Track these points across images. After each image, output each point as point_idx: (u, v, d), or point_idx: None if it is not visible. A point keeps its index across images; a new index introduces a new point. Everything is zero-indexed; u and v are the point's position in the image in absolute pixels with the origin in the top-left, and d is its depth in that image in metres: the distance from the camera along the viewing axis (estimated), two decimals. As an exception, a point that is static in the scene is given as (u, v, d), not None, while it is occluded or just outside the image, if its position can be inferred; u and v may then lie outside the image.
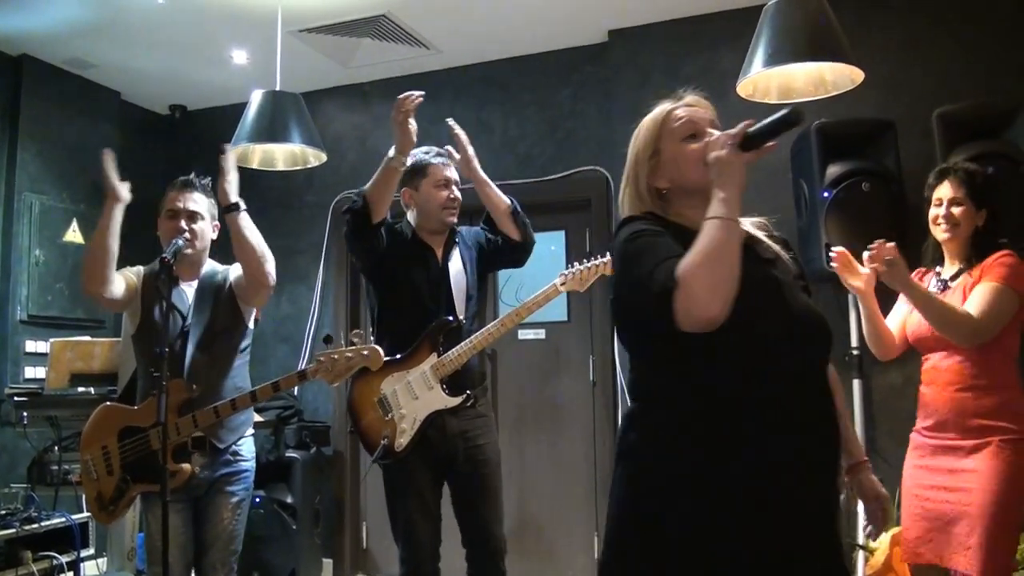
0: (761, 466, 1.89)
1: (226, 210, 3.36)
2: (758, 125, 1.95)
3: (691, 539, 1.91)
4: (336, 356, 3.29)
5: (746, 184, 1.96)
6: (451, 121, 3.70)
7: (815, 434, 1.98)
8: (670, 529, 1.93)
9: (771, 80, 3.67)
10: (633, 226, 2.09)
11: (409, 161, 3.67)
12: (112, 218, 3.38)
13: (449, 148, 3.76)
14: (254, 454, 3.59)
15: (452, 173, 3.75)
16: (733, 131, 1.98)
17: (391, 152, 3.49)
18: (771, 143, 1.96)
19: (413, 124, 3.47)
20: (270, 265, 3.40)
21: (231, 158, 3.44)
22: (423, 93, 3.46)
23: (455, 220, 3.76)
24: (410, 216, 3.80)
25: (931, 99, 4.50)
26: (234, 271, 3.54)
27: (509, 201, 3.76)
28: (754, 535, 1.88)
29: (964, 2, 4.85)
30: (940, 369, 3.31)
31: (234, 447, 3.47)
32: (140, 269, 3.57)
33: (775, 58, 3.47)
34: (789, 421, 1.92)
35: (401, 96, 3.42)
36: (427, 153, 3.76)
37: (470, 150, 3.71)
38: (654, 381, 2.09)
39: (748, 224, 2.17)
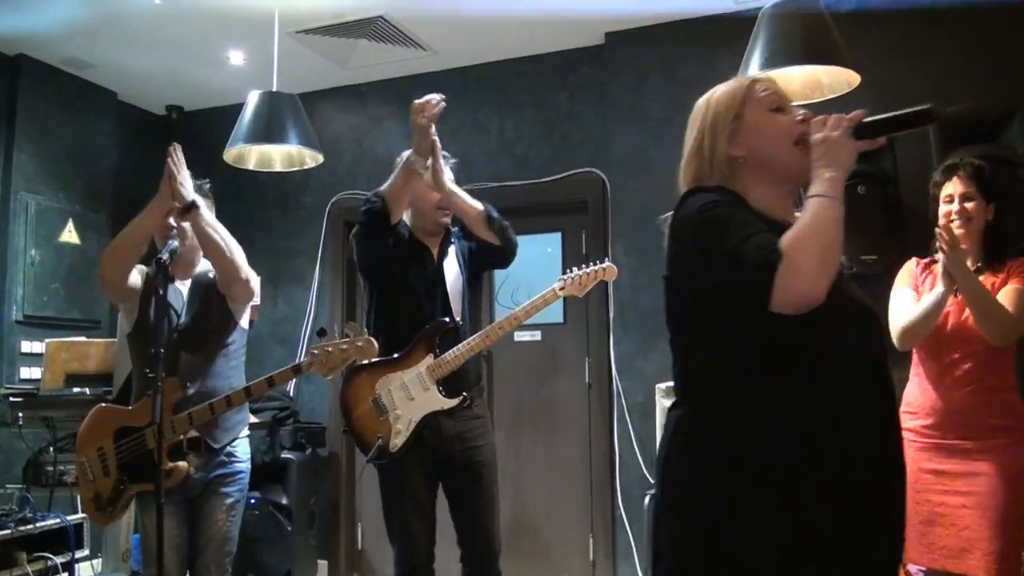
0: (839, 464, 1.81)
1: (184, 210, 3.34)
2: (880, 116, 1.91)
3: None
4: (330, 348, 3.29)
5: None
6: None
7: (885, 427, 1.91)
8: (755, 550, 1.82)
9: (767, 83, 3.67)
10: (706, 195, 1.95)
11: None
12: (155, 218, 3.39)
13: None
14: (249, 455, 3.58)
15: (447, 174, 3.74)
16: (848, 115, 1.92)
17: (411, 155, 3.47)
18: (883, 139, 1.94)
19: (433, 128, 3.45)
20: (239, 257, 3.39)
21: (178, 156, 3.39)
22: (444, 97, 3.41)
23: (449, 220, 3.75)
24: (406, 216, 3.79)
25: (927, 102, 4.49)
26: None
27: (481, 207, 3.67)
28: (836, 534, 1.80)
29: (960, 6, 4.85)
30: (954, 368, 3.30)
31: (229, 448, 3.47)
32: (143, 268, 3.57)
33: (771, 61, 3.47)
34: (864, 418, 1.85)
35: (423, 100, 3.38)
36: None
37: (440, 161, 3.59)
38: (716, 375, 1.93)
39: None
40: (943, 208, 3.42)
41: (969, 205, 3.36)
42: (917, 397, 3.41)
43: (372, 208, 3.54)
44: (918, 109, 1.87)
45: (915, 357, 3.47)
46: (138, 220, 3.40)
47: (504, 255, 3.79)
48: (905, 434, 3.37)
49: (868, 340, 1.93)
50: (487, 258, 3.83)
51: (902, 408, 3.46)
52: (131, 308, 3.52)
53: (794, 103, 3.64)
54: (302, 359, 3.37)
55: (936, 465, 3.29)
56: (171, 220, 3.44)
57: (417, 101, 3.40)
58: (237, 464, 3.49)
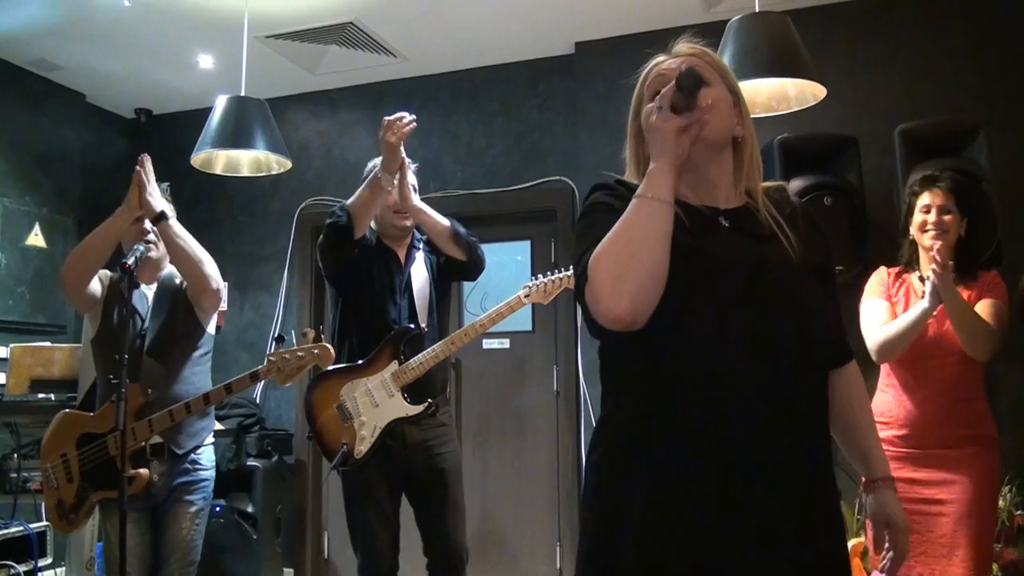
0: (696, 497, 1.64)
1: (154, 221, 3.35)
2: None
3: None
4: (287, 356, 3.28)
5: (685, 155, 1.69)
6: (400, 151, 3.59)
7: (774, 463, 1.65)
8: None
9: (734, 94, 3.70)
10: (593, 197, 1.86)
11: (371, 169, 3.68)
12: (121, 226, 3.37)
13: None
14: (214, 463, 3.56)
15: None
16: (662, 91, 1.71)
17: (378, 171, 3.49)
18: (700, 106, 1.69)
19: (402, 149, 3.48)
20: (209, 267, 3.38)
21: (147, 166, 3.38)
22: (415, 117, 3.44)
23: (408, 224, 3.74)
24: (372, 223, 3.80)
25: (893, 116, 4.56)
26: None
27: (448, 224, 3.68)
28: None
29: (927, 22, 4.92)
30: (928, 379, 3.35)
31: (193, 455, 3.45)
32: (106, 273, 3.55)
33: (738, 73, 3.47)
34: (741, 443, 1.64)
35: (393, 117, 3.40)
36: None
37: (409, 179, 3.62)
38: (604, 381, 1.87)
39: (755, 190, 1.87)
40: (918, 217, 3.45)
41: (947, 217, 3.40)
42: (891, 408, 3.44)
43: (337, 222, 3.54)
44: (679, 76, 1.68)
45: (885, 368, 3.49)
46: (103, 227, 3.37)
47: (471, 270, 3.79)
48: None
49: (775, 347, 1.68)
50: (454, 272, 3.83)
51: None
52: (95, 313, 3.49)
53: (759, 115, 3.71)
54: (260, 366, 3.35)
55: (910, 473, 3.32)
56: (147, 224, 3.43)
57: (388, 117, 3.41)
58: (201, 471, 3.47)
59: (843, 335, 1.94)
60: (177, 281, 3.53)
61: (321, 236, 3.63)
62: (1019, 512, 4.07)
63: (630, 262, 1.60)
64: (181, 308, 3.48)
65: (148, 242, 3.40)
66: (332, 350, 3.32)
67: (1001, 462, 3.39)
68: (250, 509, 5.52)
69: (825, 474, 1.77)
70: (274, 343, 3.35)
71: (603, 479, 1.79)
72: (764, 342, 1.67)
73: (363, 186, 3.53)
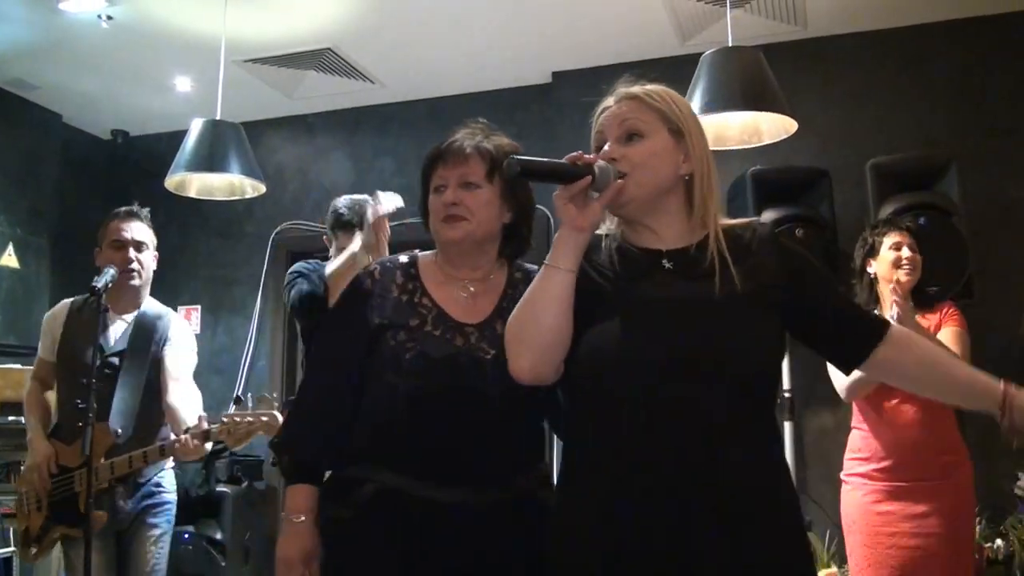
0: (618, 523, 1.67)
1: None
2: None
3: None
4: (238, 419, 3.25)
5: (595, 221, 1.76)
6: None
7: (711, 495, 1.65)
8: None
9: (706, 128, 3.68)
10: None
11: (341, 212, 3.70)
12: None
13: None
14: (175, 487, 3.55)
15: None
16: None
17: (361, 249, 3.45)
18: (586, 176, 1.76)
19: (388, 230, 3.45)
20: None
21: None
22: (400, 201, 3.41)
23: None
24: None
25: (865, 150, 4.60)
26: (174, 332, 3.54)
27: None
28: None
29: (899, 58, 4.98)
30: (899, 412, 3.38)
31: (155, 478, 3.44)
32: (66, 302, 3.54)
33: (711, 106, 3.52)
34: (657, 475, 1.66)
35: (383, 213, 3.39)
36: (350, 207, 3.78)
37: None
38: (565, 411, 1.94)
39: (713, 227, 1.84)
40: (890, 255, 3.51)
41: (918, 257, 3.48)
42: (868, 442, 3.46)
43: (315, 293, 3.61)
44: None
45: (855, 407, 3.52)
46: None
47: None
48: (854, 480, 3.45)
49: (684, 379, 1.67)
50: None
51: (848, 456, 3.51)
52: (52, 341, 3.50)
53: (730, 148, 3.72)
54: (213, 424, 3.31)
55: (887, 507, 3.36)
56: (130, 252, 3.41)
57: (381, 211, 3.38)
58: (164, 495, 3.46)
59: (867, 318, 1.93)
60: (159, 330, 3.49)
61: (296, 301, 3.67)
62: (988, 544, 4.08)
63: (527, 325, 1.73)
64: (155, 363, 3.47)
65: (131, 269, 3.38)
66: (280, 419, 3.25)
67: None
68: (219, 536, 5.46)
69: (777, 503, 1.75)
70: (232, 404, 3.32)
71: (559, 498, 1.84)
72: (690, 375, 1.67)
73: (344, 257, 3.49)
